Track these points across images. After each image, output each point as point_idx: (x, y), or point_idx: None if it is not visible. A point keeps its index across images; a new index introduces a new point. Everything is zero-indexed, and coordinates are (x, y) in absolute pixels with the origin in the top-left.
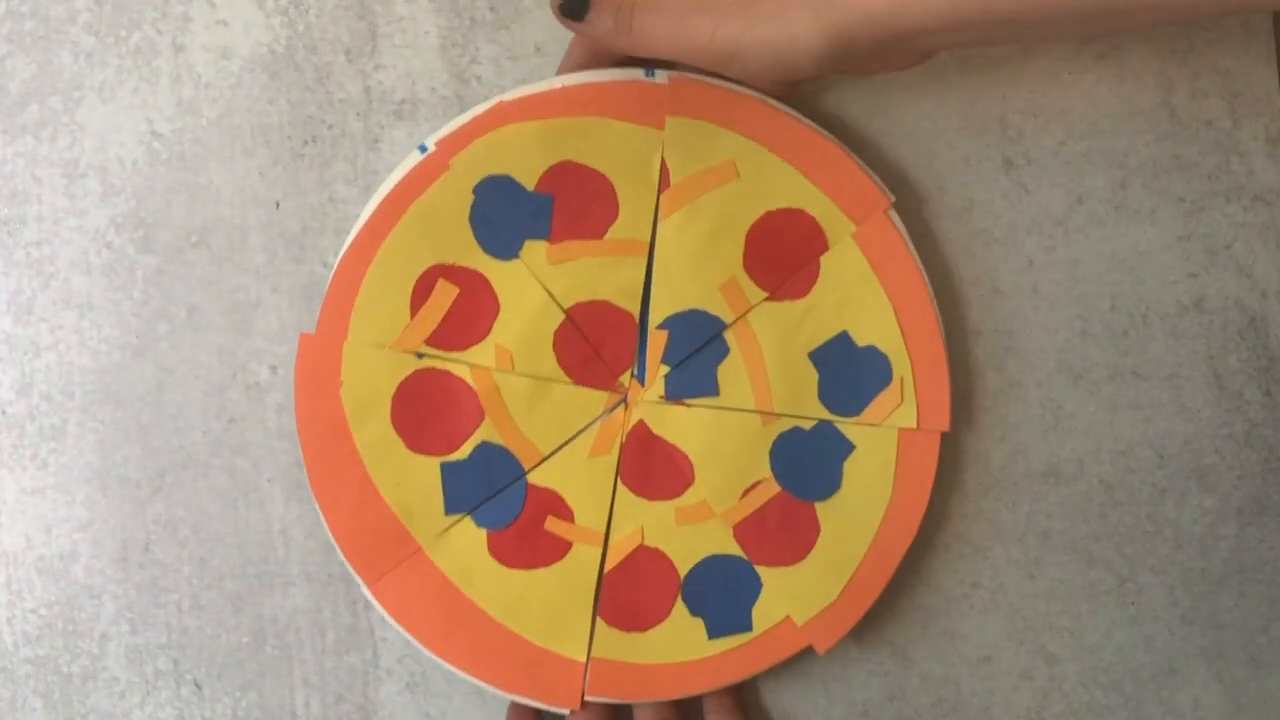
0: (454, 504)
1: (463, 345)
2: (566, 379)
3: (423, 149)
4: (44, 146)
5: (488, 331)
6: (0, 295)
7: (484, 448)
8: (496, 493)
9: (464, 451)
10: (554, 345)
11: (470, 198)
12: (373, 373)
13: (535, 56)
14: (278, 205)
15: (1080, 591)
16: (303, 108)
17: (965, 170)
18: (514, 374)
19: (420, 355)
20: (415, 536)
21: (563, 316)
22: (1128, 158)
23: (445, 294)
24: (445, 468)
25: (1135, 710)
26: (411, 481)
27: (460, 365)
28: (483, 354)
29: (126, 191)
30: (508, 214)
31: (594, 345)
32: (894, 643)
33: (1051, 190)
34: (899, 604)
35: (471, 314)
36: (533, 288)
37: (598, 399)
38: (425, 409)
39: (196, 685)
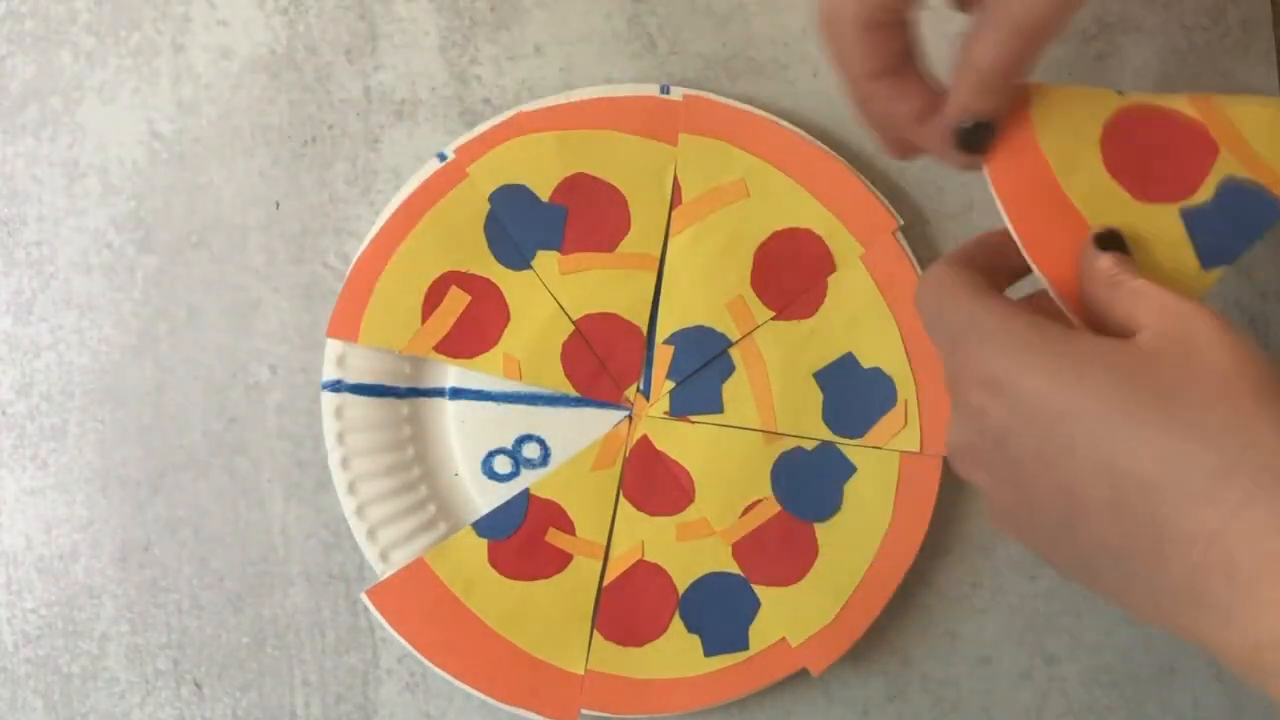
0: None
1: (472, 353)
2: (573, 390)
3: (441, 157)
4: (44, 146)
5: (497, 340)
6: (0, 295)
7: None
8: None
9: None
10: (562, 356)
11: (486, 206)
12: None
13: (535, 56)
14: (278, 205)
15: (1080, 591)
16: (303, 108)
17: (965, 170)
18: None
19: None
20: None
21: (572, 328)
22: None
23: (457, 301)
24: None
25: (1135, 710)
26: None
27: None
28: (491, 363)
29: (126, 191)
30: (522, 224)
31: (601, 357)
32: (894, 643)
33: None
34: (899, 604)
35: (482, 322)
36: (543, 298)
37: None
38: None
39: (196, 685)
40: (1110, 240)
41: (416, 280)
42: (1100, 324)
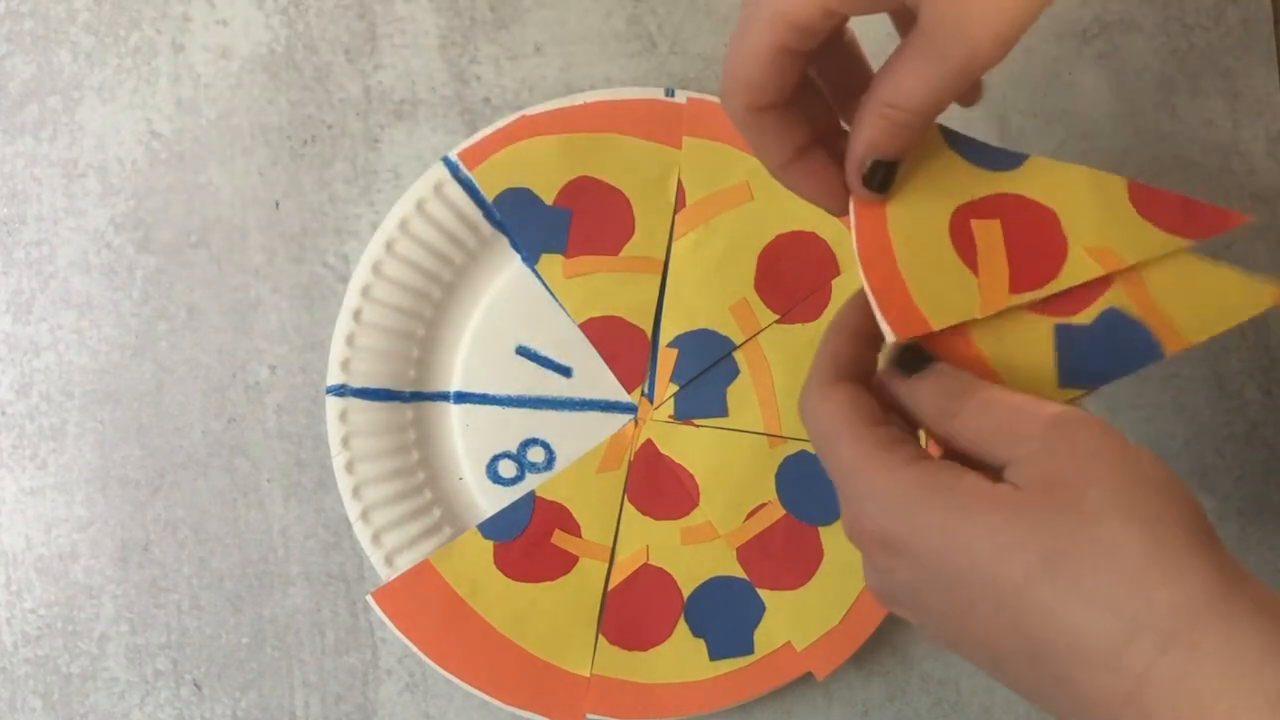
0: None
1: None
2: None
3: (446, 160)
4: (44, 146)
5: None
6: (0, 295)
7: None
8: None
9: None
10: None
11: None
12: None
13: (535, 56)
14: (277, 205)
15: None
16: (302, 108)
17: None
18: None
19: None
20: None
21: None
22: (1128, 158)
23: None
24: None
25: None
26: None
27: None
28: None
29: (126, 191)
30: (526, 227)
31: (606, 360)
32: (894, 643)
33: None
34: None
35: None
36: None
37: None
38: None
39: (196, 685)
40: (909, 360)
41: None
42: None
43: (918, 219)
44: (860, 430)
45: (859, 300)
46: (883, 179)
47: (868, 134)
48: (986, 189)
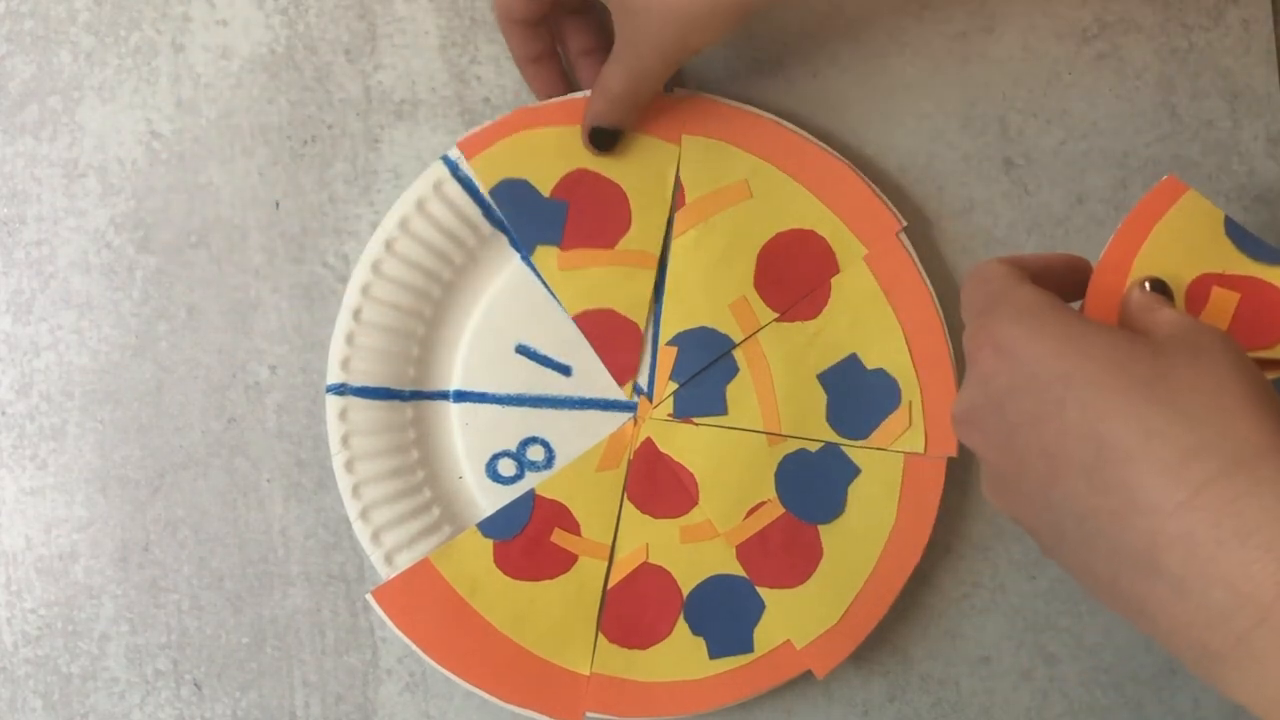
0: None
1: None
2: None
3: (446, 159)
4: (44, 146)
5: None
6: (0, 295)
7: None
8: None
9: None
10: None
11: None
12: None
13: None
14: (277, 205)
15: (1080, 591)
16: (303, 108)
17: (965, 170)
18: None
19: None
20: None
21: None
22: (1128, 158)
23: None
24: None
25: (1135, 710)
26: None
27: None
28: None
29: (126, 191)
30: (523, 218)
31: (600, 352)
32: (894, 642)
33: (1051, 190)
34: (899, 604)
35: None
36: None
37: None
38: None
39: (196, 685)
40: (1158, 286)
41: None
42: None
43: (1162, 268)
44: (1021, 277)
45: (1072, 270)
46: (602, 141)
47: (592, 106)
48: (1241, 270)
